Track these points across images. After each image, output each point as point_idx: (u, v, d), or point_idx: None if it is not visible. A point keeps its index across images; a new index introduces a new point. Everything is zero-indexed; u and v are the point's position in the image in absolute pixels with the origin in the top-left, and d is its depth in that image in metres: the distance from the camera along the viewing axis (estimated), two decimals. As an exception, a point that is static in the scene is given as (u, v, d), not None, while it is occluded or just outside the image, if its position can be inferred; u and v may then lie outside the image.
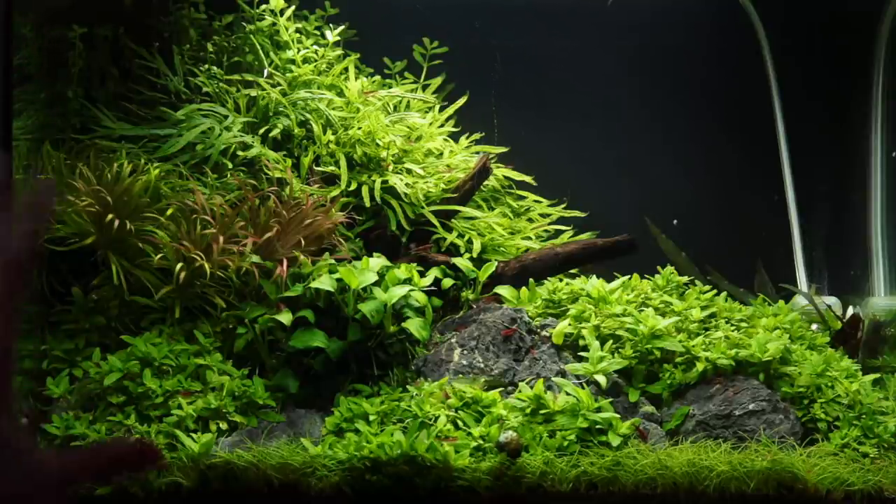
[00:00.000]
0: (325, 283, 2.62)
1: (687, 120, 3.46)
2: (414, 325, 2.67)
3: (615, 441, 2.31)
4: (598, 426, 2.35)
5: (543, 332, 2.76)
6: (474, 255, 3.04)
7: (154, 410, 2.39)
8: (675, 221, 3.40)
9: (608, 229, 3.18)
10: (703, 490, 2.22)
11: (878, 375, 2.70)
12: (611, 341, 2.67)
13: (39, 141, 2.79)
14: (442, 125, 3.39)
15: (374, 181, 3.04)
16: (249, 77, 3.15)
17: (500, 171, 3.36)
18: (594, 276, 2.96)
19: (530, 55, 3.49)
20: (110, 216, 2.59)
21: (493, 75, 3.48)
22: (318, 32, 3.37)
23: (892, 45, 3.32)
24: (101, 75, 2.99)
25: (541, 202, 3.41)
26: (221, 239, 2.65)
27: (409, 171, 3.14)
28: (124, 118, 2.97)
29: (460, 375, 2.59)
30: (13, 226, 0.80)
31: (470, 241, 3.09)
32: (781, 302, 3.04)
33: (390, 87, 3.39)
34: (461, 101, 3.42)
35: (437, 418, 2.40)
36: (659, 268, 3.04)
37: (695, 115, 3.46)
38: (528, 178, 3.40)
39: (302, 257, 2.73)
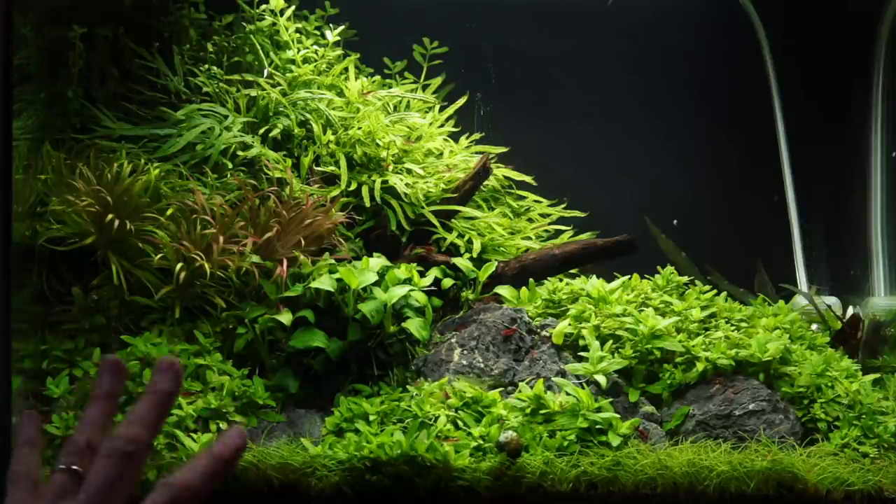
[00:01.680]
0: (325, 283, 2.63)
1: (687, 120, 3.46)
2: (414, 325, 2.67)
3: (615, 441, 2.31)
4: (598, 426, 2.36)
5: (543, 332, 2.76)
6: (474, 255, 3.04)
7: (154, 410, 2.39)
8: (675, 221, 3.40)
9: (608, 229, 3.18)
10: (703, 490, 2.22)
11: (878, 375, 2.70)
12: (611, 341, 2.67)
13: (39, 141, 2.79)
14: (442, 125, 3.39)
15: (374, 181, 3.04)
16: (249, 77, 3.15)
17: (500, 171, 3.36)
18: (594, 276, 2.97)
19: (529, 55, 3.49)
20: (110, 216, 2.59)
21: (492, 75, 3.48)
22: (318, 32, 3.37)
23: (893, 45, 3.32)
24: (101, 75, 2.99)
25: (541, 202, 3.41)
26: (221, 239, 2.65)
27: (409, 171, 3.14)
28: (124, 118, 2.97)
29: (460, 376, 2.59)
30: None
31: (470, 241, 3.09)
32: (781, 302, 3.04)
33: (390, 87, 3.39)
34: (461, 101, 3.42)
35: (437, 418, 2.40)
36: (659, 268, 3.04)
37: (694, 114, 3.46)
38: (528, 178, 3.40)
39: (302, 257, 2.73)
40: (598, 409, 2.39)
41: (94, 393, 0.87)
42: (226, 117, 3.04)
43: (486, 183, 3.26)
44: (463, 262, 2.96)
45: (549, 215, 3.39)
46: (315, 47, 3.31)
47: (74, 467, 0.82)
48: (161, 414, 0.84)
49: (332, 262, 2.77)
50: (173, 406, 0.87)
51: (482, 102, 3.46)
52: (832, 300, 3.17)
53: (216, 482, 0.81)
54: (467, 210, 3.16)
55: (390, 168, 3.11)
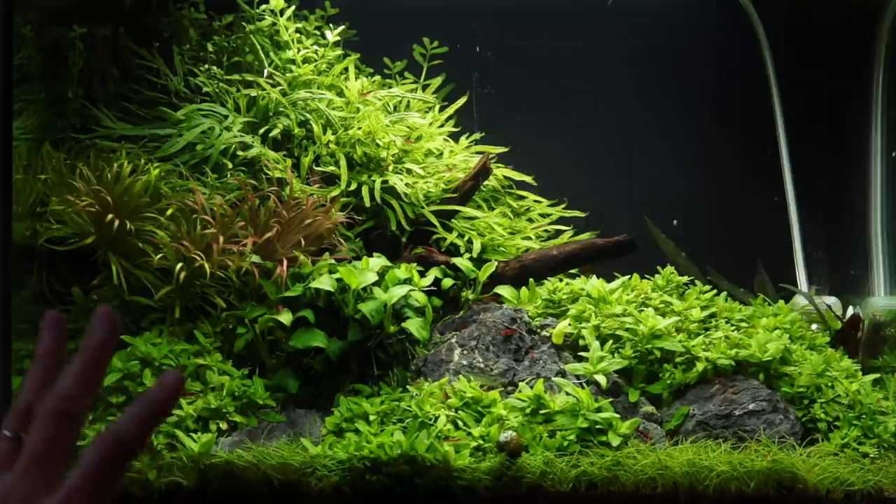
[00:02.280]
0: (325, 283, 2.63)
1: (687, 120, 3.46)
2: (414, 325, 2.67)
3: (615, 441, 2.31)
4: (598, 426, 2.36)
5: (543, 332, 2.76)
6: (474, 255, 3.04)
7: (154, 410, 2.38)
8: (674, 222, 3.40)
9: (608, 229, 3.19)
10: (703, 490, 2.22)
11: (878, 375, 2.70)
12: (611, 341, 2.67)
13: (39, 141, 2.79)
14: (442, 125, 3.39)
15: (374, 181, 3.04)
16: (249, 77, 3.15)
17: (500, 171, 3.36)
18: (594, 276, 2.97)
19: (529, 56, 3.49)
20: (110, 216, 2.59)
21: (491, 76, 3.48)
22: (318, 32, 3.37)
23: (893, 45, 3.32)
24: (101, 75, 2.99)
25: (541, 202, 3.41)
26: (221, 239, 2.65)
27: (409, 171, 3.14)
28: (124, 118, 2.97)
29: (460, 376, 2.59)
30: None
31: (470, 241, 3.09)
32: (781, 302, 3.04)
33: (390, 87, 3.39)
34: (461, 101, 3.42)
35: (437, 418, 2.40)
36: (659, 268, 3.04)
37: (695, 115, 3.46)
38: (528, 178, 3.40)
39: (302, 257, 2.73)
40: (598, 409, 2.39)
41: (36, 353, 0.83)
42: (226, 117, 3.04)
43: (486, 183, 3.26)
44: (463, 262, 2.96)
45: (549, 215, 3.39)
46: (315, 47, 3.31)
47: (19, 434, 0.79)
48: (97, 367, 0.79)
49: (332, 262, 2.77)
50: (110, 358, 0.82)
51: (479, 85, 3.46)
52: (832, 300, 3.17)
53: (152, 427, 0.77)
54: (467, 210, 3.16)
55: (390, 168, 3.11)
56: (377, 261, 2.77)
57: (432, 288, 2.83)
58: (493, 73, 3.48)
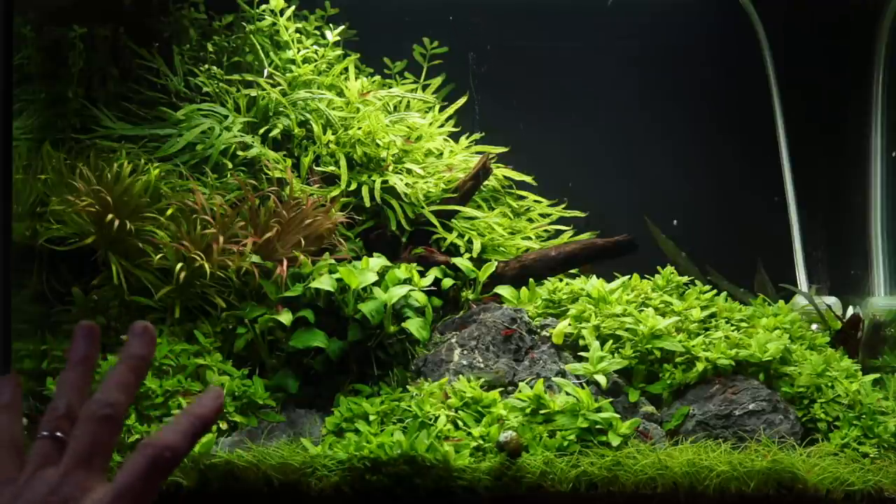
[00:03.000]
0: (325, 283, 2.63)
1: (687, 120, 3.46)
2: (414, 325, 2.67)
3: (615, 441, 2.31)
4: (598, 426, 2.35)
5: (543, 332, 2.76)
6: (474, 255, 3.04)
7: (154, 410, 2.39)
8: (674, 222, 3.40)
9: (608, 229, 3.19)
10: (703, 490, 2.22)
11: (878, 375, 2.70)
12: (611, 341, 2.67)
13: (39, 141, 2.79)
14: (442, 125, 3.39)
15: (374, 181, 3.04)
16: (249, 77, 3.15)
17: (500, 171, 3.36)
18: (594, 276, 2.97)
19: (530, 55, 3.49)
20: (110, 216, 2.59)
21: (489, 75, 3.48)
22: (318, 32, 3.37)
23: (893, 45, 3.32)
24: (101, 75, 2.99)
25: (541, 202, 3.41)
26: (221, 239, 2.65)
27: (409, 171, 3.14)
28: (124, 118, 2.97)
29: (460, 376, 2.59)
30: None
31: (470, 241, 3.09)
32: (781, 302, 3.04)
33: (390, 87, 3.39)
34: (461, 101, 3.42)
35: (437, 418, 2.40)
36: (659, 268, 3.04)
37: (695, 115, 3.46)
38: (528, 178, 3.40)
39: (302, 257, 2.73)
40: (598, 409, 2.39)
41: (70, 358, 0.87)
42: (226, 117, 3.04)
43: (486, 183, 3.26)
44: (463, 262, 2.96)
45: (549, 215, 3.39)
46: (315, 47, 3.31)
47: (57, 434, 0.82)
48: (137, 377, 0.84)
49: (332, 262, 2.77)
50: (148, 370, 0.86)
51: (475, 68, 3.46)
52: (832, 300, 3.17)
53: (195, 440, 0.81)
54: (467, 210, 3.16)
55: (390, 168, 3.11)
56: (377, 261, 2.77)
57: (432, 288, 2.83)
58: (492, 62, 3.47)
